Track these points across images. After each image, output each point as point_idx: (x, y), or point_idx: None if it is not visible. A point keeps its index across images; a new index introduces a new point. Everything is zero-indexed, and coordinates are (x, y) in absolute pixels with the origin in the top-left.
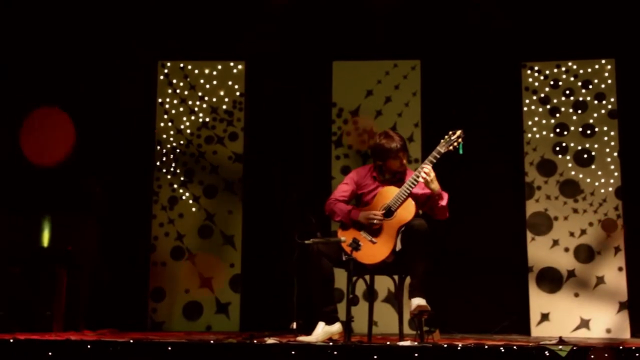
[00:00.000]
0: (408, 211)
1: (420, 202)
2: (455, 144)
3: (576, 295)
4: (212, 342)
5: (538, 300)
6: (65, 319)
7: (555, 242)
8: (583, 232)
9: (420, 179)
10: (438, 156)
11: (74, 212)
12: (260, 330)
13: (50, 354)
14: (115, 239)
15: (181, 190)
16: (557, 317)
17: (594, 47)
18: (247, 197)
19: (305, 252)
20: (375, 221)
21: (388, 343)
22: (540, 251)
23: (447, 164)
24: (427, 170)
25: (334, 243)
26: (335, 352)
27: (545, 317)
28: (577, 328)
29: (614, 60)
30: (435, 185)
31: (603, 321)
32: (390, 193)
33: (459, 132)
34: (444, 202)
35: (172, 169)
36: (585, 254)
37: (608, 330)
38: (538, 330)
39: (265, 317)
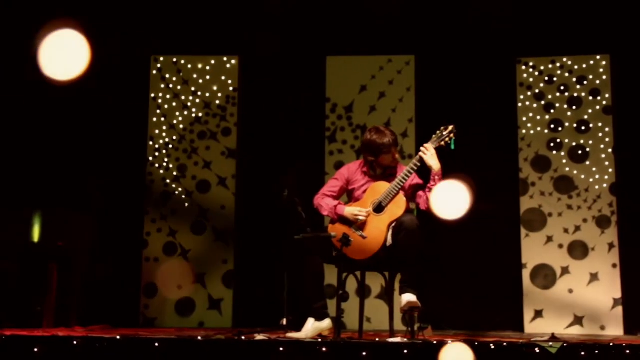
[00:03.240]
0: (399, 206)
1: (408, 194)
2: (447, 139)
3: (570, 291)
4: (199, 338)
5: (532, 297)
6: (56, 315)
7: (550, 239)
8: (577, 228)
9: (414, 171)
10: (432, 148)
11: (66, 207)
12: (253, 326)
13: (36, 350)
14: (108, 235)
15: (174, 186)
16: (551, 313)
17: (589, 42)
18: (240, 192)
19: (296, 248)
20: (360, 218)
21: (377, 339)
22: (534, 248)
23: (439, 160)
24: (426, 146)
25: (324, 239)
26: (324, 349)
27: (539, 313)
28: (571, 325)
29: (608, 56)
30: (436, 163)
31: (597, 318)
32: (381, 188)
33: (450, 128)
34: None
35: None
36: (580, 250)
37: (602, 327)
38: (532, 327)
39: (258, 314)
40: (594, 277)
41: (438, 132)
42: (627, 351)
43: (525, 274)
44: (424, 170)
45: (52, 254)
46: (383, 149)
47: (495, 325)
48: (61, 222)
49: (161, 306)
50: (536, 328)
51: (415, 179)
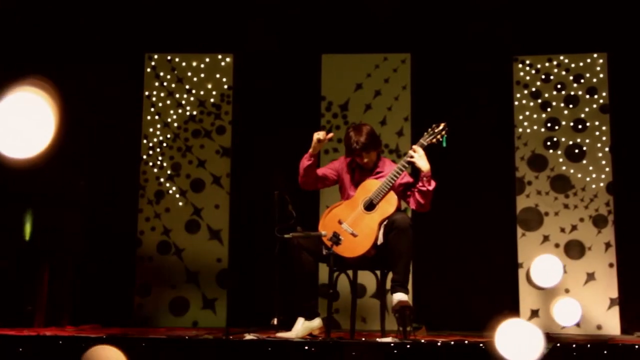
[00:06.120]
0: (390, 204)
1: (398, 192)
2: (439, 136)
3: (566, 291)
4: (187, 337)
5: (528, 297)
6: (48, 314)
7: (546, 238)
8: (574, 227)
9: (405, 170)
10: (420, 149)
11: (58, 206)
12: (248, 326)
13: (20, 349)
14: (101, 234)
15: (168, 184)
16: (547, 313)
17: (586, 41)
18: (234, 191)
19: (286, 246)
20: (320, 136)
21: (365, 339)
22: (531, 247)
23: (436, 158)
24: (415, 148)
25: (314, 237)
26: (312, 349)
27: (535, 313)
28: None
29: (605, 55)
30: (425, 164)
31: (593, 318)
32: (371, 186)
33: (442, 125)
34: (430, 187)
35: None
36: (576, 250)
37: (599, 327)
38: None
39: (252, 313)
40: (590, 276)
41: (430, 129)
42: (621, 351)
43: (522, 274)
44: (414, 169)
45: (44, 253)
46: (355, 150)
47: (491, 325)
48: (53, 220)
49: (155, 306)
50: None
51: (406, 177)
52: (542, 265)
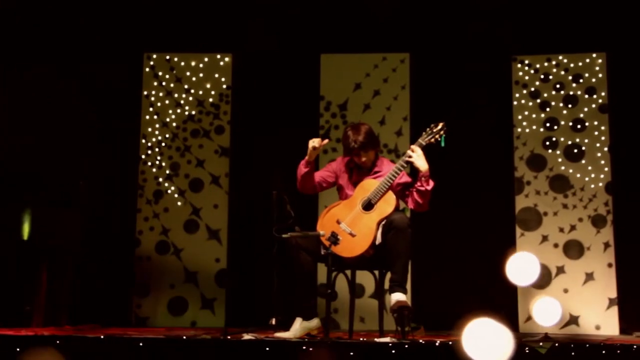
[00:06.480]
0: (389, 204)
1: (397, 192)
2: (437, 136)
3: (565, 291)
4: (185, 337)
5: (527, 296)
6: (45, 314)
7: (545, 238)
8: (573, 227)
9: (403, 169)
10: (419, 148)
11: (56, 205)
12: (246, 325)
13: (18, 349)
14: (100, 233)
15: (166, 184)
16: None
17: (585, 40)
18: (233, 191)
19: (285, 246)
20: (311, 144)
21: (363, 339)
22: (530, 247)
23: (434, 157)
24: (413, 147)
25: (312, 237)
26: (310, 349)
27: None
28: (566, 324)
29: (604, 54)
30: (423, 163)
31: (592, 317)
32: (370, 186)
33: (441, 125)
34: (429, 187)
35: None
36: (575, 249)
37: (597, 327)
38: (526, 327)
39: (251, 313)
40: (589, 276)
41: (428, 129)
42: (618, 351)
43: None
44: (413, 168)
45: (42, 253)
46: (353, 149)
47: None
48: (52, 220)
49: (153, 305)
50: (531, 328)
51: (404, 177)
52: (518, 263)
